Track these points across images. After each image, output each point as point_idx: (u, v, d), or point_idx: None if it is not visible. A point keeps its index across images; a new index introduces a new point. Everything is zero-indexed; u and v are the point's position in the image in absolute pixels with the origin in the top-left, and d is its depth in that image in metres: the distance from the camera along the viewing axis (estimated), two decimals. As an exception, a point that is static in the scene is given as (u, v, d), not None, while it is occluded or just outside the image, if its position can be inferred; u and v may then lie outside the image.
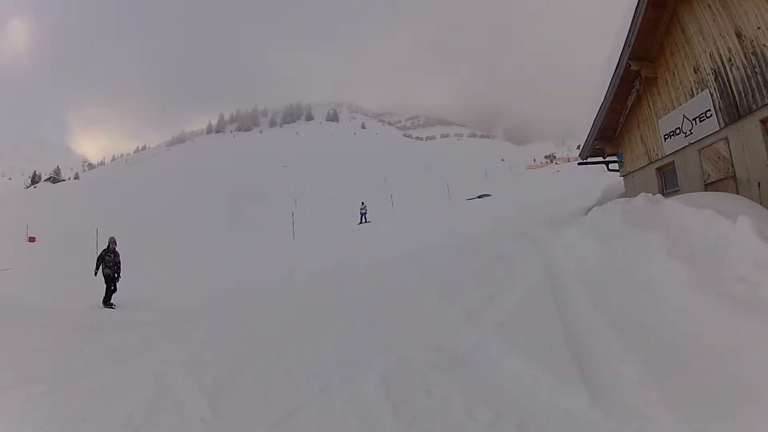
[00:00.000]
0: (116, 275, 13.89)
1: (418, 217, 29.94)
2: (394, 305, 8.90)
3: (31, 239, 35.29)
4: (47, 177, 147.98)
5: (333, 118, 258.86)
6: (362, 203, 38.23)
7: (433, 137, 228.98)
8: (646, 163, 12.48)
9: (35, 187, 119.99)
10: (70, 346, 8.31)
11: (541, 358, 5.01)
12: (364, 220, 35.86)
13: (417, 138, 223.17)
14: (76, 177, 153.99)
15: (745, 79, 8.20)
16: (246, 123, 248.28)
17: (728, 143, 8.95)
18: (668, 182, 11.72)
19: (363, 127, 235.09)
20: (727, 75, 8.71)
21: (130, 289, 14.90)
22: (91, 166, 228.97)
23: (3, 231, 35.65)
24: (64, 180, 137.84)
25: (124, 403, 5.70)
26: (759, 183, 8.18)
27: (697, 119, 9.78)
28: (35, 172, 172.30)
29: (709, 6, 8.95)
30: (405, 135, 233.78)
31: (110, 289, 13.40)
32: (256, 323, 9.39)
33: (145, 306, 11.99)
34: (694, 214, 6.86)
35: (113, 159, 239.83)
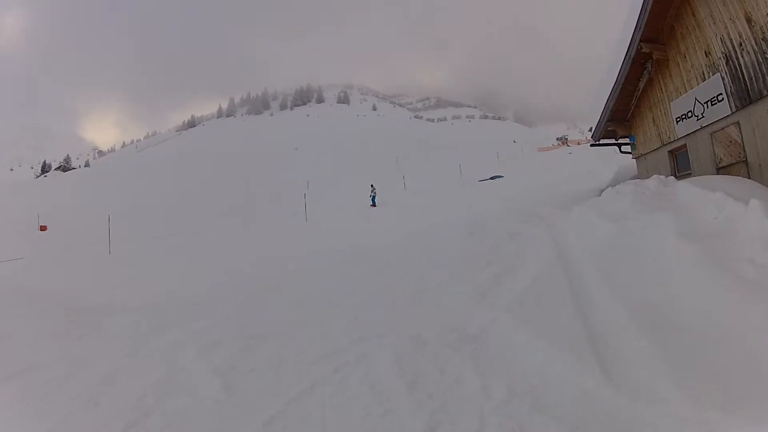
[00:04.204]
0: None
1: (430, 199, 29.76)
2: (407, 284, 9.01)
3: (43, 228, 35.20)
4: (57, 166, 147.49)
5: (344, 100, 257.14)
6: (371, 186, 37.51)
7: (444, 119, 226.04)
8: (658, 146, 12.49)
9: (45, 176, 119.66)
10: (79, 331, 8.34)
11: (553, 337, 5.11)
12: (373, 204, 35.03)
13: (428, 120, 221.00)
14: (87, 165, 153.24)
15: (756, 64, 8.22)
16: (256, 106, 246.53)
17: (740, 128, 8.97)
18: (680, 165, 11.72)
19: (374, 108, 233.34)
20: (738, 59, 8.71)
21: (142, 273, 15.10)
22: (101, 153, 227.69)
23: (14, 220, 35.71)
24: (74, 168, 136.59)
25: (136, 386, 5.76)
26: (771, 168, 8.21)
27: (709, 103, 9.79)
28: (45, 161, 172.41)
29: (719, -10, 8.94)
30: (416, 116, 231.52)
31: None
32: (267, 304, 9.45)
33: (155, 289, 12.03)
34: (705, 197, 6.92)
35: (123, 146, 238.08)
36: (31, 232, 32.91)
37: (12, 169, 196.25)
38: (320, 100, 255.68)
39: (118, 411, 5.21)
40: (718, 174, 9.71)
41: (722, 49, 9.15)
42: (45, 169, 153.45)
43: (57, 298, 9.84)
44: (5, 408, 5.30)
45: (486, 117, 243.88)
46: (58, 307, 9.41)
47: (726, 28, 8.92)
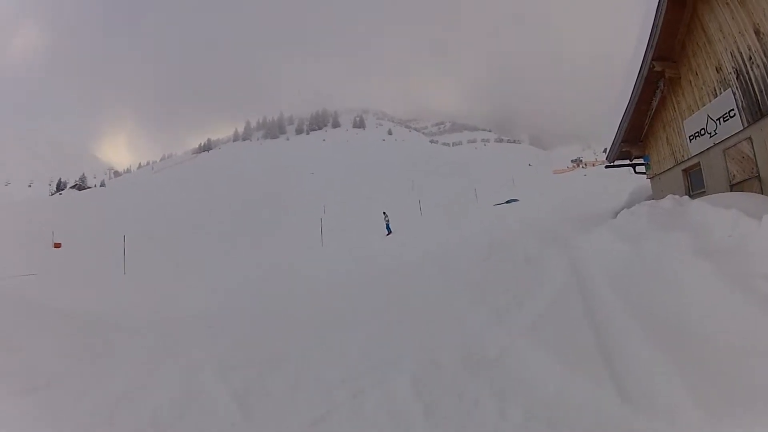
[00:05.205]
0: None
1: (446, 223, 29.85)
2: (424, 307, 9.02)
3: (57, 245, 35.33)
4: (73, 184, 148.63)
5: (359, 124, 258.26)
6: (384, 213, 36.72)
7: (459, 143, 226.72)
8: (672, 165, 12.39)
9: (60, 194, 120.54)
10: (93, 349, 8.29)
11: (571, 359, 5.08)
12: (389, 231, 33.81)
13: (444, 144, 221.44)
14: (102, 184, 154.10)
15: (766, 77, 8.14)
16: (272, 130, 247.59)
17: (752, 143, 8.86)
18: (694, 183, 11.62)
19: (390, 133, 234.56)
20: (748, 73, 8.63)
21: (156, 291, 15.19)
22: (117, 173, 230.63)
23: (28, 237, 36.07)
24: (89, 187, 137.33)
25: (151, 406, 5.75)
26: (783, 183, 8.11)
27: (721, 119, 9.71)
28: (60, 179, 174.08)
29: (727, 4, 8.91)
30: (432, 141, 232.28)
31: None
32: (283, 324, 9.48)
33: (170, 309, 12.08)
34: (719, 215, 6.88)
35: (139, 167, 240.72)
36: (46, 249, 33.17)
37: (30, 185, 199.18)
38: (336, 125, 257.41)
39: (133, 430, 5.22)
40: (731, 191, 9.60)
41: (732, 64, 9.07)
42: (60, 187, 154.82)
43: (71, 314, 9.88)
44: (22, 424, 5.31)
45: (501, 140, 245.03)
46: (72, 322, 9.44)
47: (735, 42, 8.84)
